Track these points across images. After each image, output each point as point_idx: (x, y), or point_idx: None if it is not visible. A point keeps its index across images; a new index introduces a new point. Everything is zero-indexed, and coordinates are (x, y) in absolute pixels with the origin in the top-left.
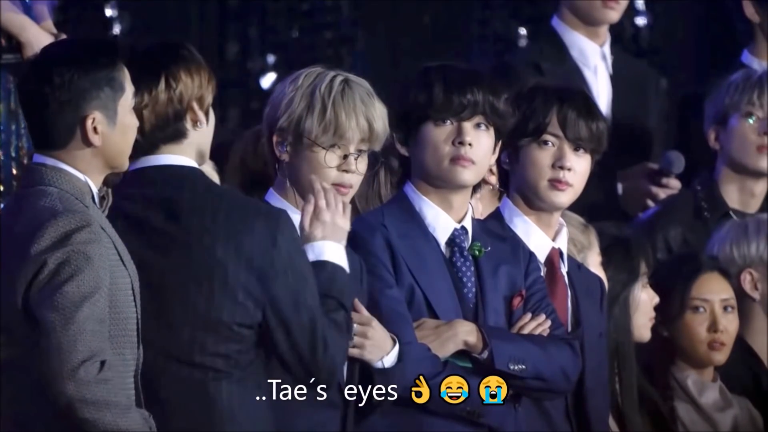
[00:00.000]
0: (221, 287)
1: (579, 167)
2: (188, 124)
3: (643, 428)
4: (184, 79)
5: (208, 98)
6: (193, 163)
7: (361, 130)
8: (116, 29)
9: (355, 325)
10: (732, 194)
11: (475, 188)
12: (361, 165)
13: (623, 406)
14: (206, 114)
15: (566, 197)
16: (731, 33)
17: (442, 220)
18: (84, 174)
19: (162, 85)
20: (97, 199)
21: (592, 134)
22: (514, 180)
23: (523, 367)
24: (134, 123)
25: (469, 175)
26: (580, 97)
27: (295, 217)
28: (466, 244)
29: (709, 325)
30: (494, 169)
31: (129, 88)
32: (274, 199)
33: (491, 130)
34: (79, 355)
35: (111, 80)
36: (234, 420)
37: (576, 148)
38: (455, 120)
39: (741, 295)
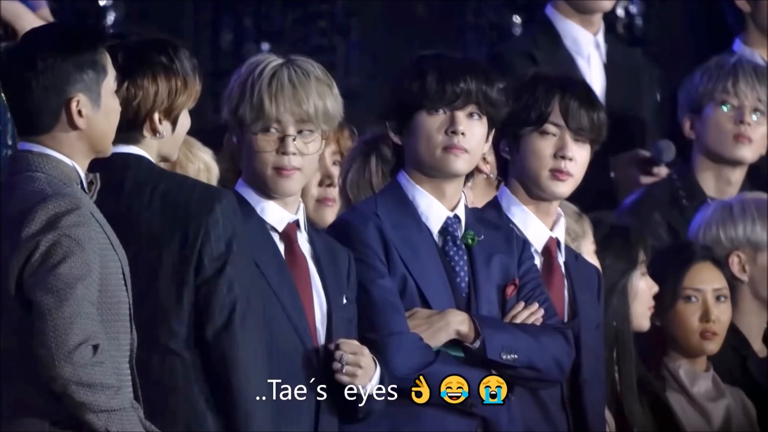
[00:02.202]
0: (163, 261)
1: (579, 157)
2: (146, 133)
3: (642, 417)
4: (147, 87)
5: (179, 107)
6: (141, 153)
7: (291, 112)
8: (110, 18)
9: (346, 355)
10: (708, 182)
11: (468, 177)
12: (302, 145)
13: (622, 395)
14: (174, 122)
15: (567, 187)
16: (724, 22)
17: (435, 208)
18: (70, 159)
19: (122, 91)
20: (85, 184)
21: (593, 124)
22: (513, 169)
23: (515, 356)
24: (117, 106)
25: (462, 163)
26: (581, 87)
27: (262, 204)
28: (459, 233)
29: (701, 315)
30: (489, 157)
31: (111, 72)
32: (243, 188)
33: (484, 119)
34: (75, 338)
35: (94, 63)
36: (184, 398)
37: (577, 138)
38: (448, 109)
39: (728, 278)
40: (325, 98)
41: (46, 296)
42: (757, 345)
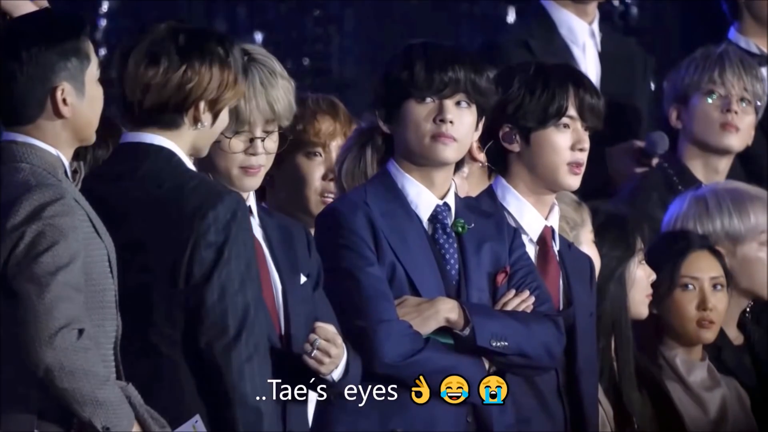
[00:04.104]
0: (154, 259)
1: (588, 147)
2: (187, 119)
3: (641, 405)
4: (203, 74)
5: (225, 102)
6: (171, 145)
7: (263, 114)
8: (104, 6)
9: (319, 340)
10: (697, 171)
11: (458, 165)
12: (270, 144)
13: (621, 383)
14: (215, 116)
15: (580, 179)
16: (719, 11)
17: (424, 197)
18: (55, 148)
19: (179, 72)
20: (69, 173)
21: (601, 114)
22: (520, 162)
23: (505, 343)
24: (101, 94)
25: (450, 152)
26: (586, 78)
27: None
28: (449, 221)
29: (698, 303)
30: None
31: (94, 59)
32: None
33: (473, 108)
34: (56, 322)
35: (77, 51)
36: (173, 400)
37: (586, 128)
38: (436, 98)
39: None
40: (289, 95)
41: (27, 284)
42: (732, 332)
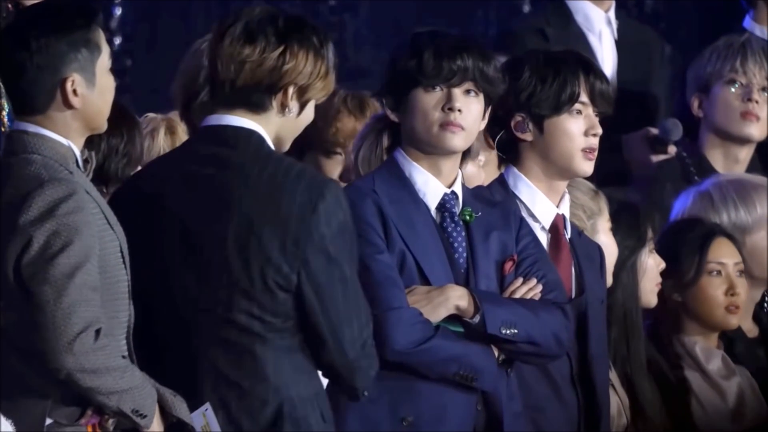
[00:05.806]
0: (257, 247)
1: (600, 132)
2: (275, 103)
3: (651, 394)
4: (300, 59)
5: (313, 93)
6: (259, 129)
7: None
8: None
9: None
10: (717, 161)
11: (465, 154)
12: None
13: (632, 372)
14: (302, 106)
15: (593, 165)
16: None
17: (431, 185)
18: (66, 138)
19: (277, 52)
20: (81, 163)
21: (611, 99)
22: (533, 151)
23: (515, 331)
24: (112, 84)
25: (458, 140)
26: (595, 64)
27: None
28: (457, 210)
29: (726, 289)
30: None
31: (105, 49)
32: None
33: (481, 96)
34: (74, 327)
35: (87, 42)
36: (270, 382)
37: (597, 114)
38: (445, 86)
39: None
40: None
41: (44, 287)
42: (747, 324)
